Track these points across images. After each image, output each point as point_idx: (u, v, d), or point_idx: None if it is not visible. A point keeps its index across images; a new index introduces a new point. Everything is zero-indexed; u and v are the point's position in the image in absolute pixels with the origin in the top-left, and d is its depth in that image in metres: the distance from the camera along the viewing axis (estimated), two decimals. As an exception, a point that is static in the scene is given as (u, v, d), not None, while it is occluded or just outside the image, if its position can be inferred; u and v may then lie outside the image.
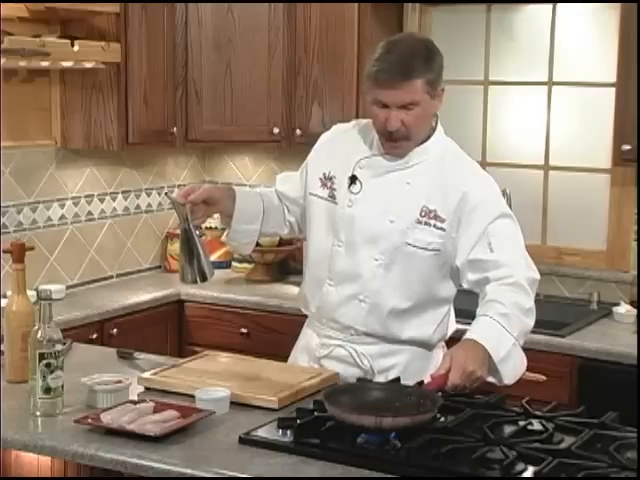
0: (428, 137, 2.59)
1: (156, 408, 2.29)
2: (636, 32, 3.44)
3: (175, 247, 4.44)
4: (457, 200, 2.50)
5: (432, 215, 2.51)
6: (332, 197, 2.62)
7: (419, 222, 2.52)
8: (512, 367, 2.38)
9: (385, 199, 2.55)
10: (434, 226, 2.51)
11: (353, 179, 2.58)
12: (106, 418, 2.23)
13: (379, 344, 2.62)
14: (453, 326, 2.73)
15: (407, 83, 2.44)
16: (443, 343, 2.71)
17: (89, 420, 2.23)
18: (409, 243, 2.52)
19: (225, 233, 2.79)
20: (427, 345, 2.65)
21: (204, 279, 2.54)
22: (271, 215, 2.75)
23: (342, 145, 2.67)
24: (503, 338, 2.36)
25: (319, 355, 2.68)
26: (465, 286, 2.56)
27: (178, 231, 4.44)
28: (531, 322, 2.45)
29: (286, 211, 2.78)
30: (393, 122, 2.46)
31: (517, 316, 2.39)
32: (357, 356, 2.63)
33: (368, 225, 2.55)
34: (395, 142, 2.52)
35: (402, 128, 2.48)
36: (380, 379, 2.56)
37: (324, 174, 2.65)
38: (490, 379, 2.38)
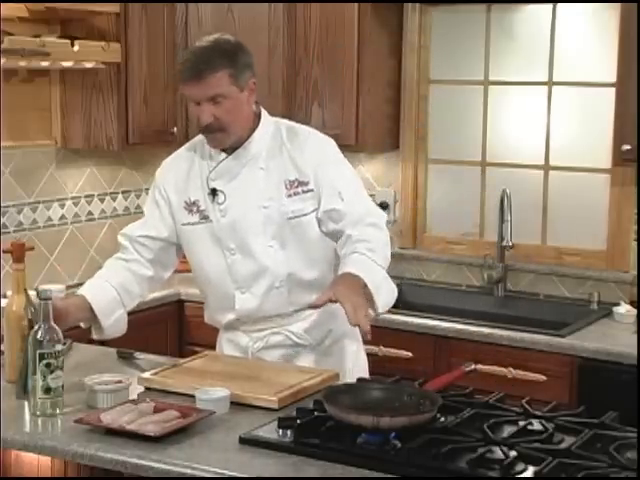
0: (255, 127, 2.69)
1: (156, 408, 2.29)
2: (636, 32, 3.44)
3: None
4: (307, 162, 2.66)
5: (296, 184, 2.66)
6: (205, 218, 2.71)
7: (289, 195, 2.66)
8: (385, 296, 2.53)
9: (250, 193, 2.66)
10: (302, 192, 2.66)
11: (214, 192, 2.69)
12: (106, 418, 2.23)
13: (310, 316, 2.73)
14: None
15: (207, 77, 2.55)
16: None
17: (89, 420, 2.23)
18: (290, 217, 2.66)
19: (95, 333, 2.73)
20: None
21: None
22: (130, 288, 2.76)
23: (185, 170, 2.76)
24: (375, 270, 2.52)
25: (254, 350, 2.76)
26: (325, 232, 2.69)
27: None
28: (389, 253, 2.63)
29: (143, 268, 2.78)
30: (204, 116, 2.59)
31: (382, 250, 2.59)
32: (293, 335, 2.73)
33: (249, 222, 2.66)
34: (212, 134, 2.63)
35: (214, 121, 2.59)
36: (320, 349, 2.73)
37: (186, 202, 2.73)
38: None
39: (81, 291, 2.71)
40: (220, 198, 2.68)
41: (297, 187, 2.66)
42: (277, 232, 2.67)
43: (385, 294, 2.54)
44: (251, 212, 2.66)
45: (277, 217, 2.66)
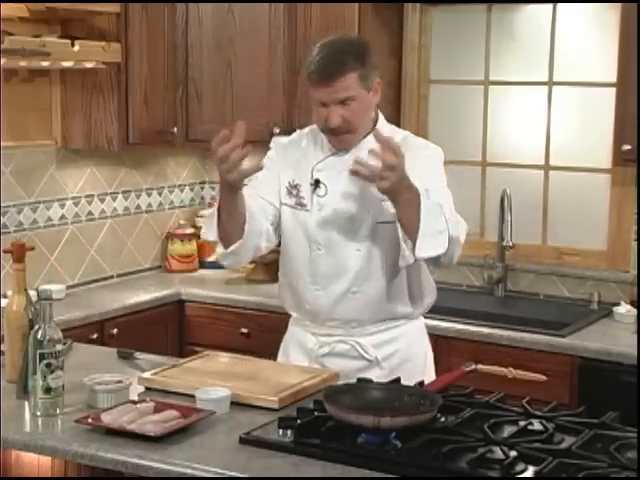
0: (373, 127, 2.65)
1: (156, 408, 2.29)
2: (636, 32, 3.44)
3: (176, 247, 4.44)
4: (413, 170, 2.51)
5: None
6: (301, 205, 2.68)
7: (384, 200, 2.57)
8: (431, 243, 2.42)
9: (351, 192, 2.62)
10: None
11: (317, 183, 2.66)
12: (106, 418, 2.23)
13: (380, 333, 2.68)
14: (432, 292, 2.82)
15: (339, 79, 2.52)
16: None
17: (89, 420, 2.24)
18: (380, 221, 2.61)
19: (234, 246, 2.58)
20: (414, 316, 2.75)
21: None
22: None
23: (295, 154, 2.73)
24: (440, 222, 2.43)
25: (319, 355, 2.70)
26: None
27: (178, 231, 4.48)
28: (451, 250, 2.48)
29: (264, 221, 2.68)
30: (333, 119, 2.55)
31: (457, 231, 2.49)
32: (360, 348, 2.67)
33: (344, 222, 2.63)
34: (339, 136, 2.61)
35: (343, 123, 2.56)
36: (385, 366, 2.64)
37: (289, 183, 2.71)
38: (403, 245, 2.45)
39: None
40: (321, 191, 2.65)
41: None
42: (367, 236, 2.62)
43: (431, 242, 2.42)
44: (348, 212, 2.62)
45: (370, 221, 2.61)
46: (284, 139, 2.82)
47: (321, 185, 2.65)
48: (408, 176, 2.39)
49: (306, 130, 2.78)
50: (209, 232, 2.60)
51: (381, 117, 2.72)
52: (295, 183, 2.69)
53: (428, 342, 2.88)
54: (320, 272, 2.66)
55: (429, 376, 2.75)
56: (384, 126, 2.67)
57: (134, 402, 2.35)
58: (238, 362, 2.72)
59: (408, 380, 2.50)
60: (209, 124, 4.17)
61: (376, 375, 2.61)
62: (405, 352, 2.71)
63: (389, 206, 2.54)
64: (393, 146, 2.34)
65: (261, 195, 2.69)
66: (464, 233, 2.58)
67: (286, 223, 2.71)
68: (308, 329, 2.75)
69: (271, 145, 2.81)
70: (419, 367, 2.75)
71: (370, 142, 2.57)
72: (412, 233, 2.42)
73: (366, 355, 2.69)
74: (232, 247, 2.57)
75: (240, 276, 4.32)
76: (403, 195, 2.40)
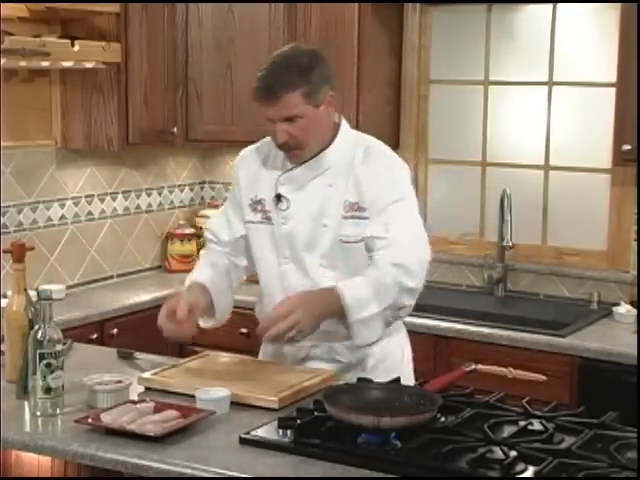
0: (333, 138, 2.63)
1: (156, 408, 2.29)
2: (636, 32, 3.44)
3: (176, 247, 4.44)
4: (370, 189, 2.56)
5: (355, 208, 2.58)
6: (267, 219, 2.68)
7: (346, 217, 2.58)
8: (366, 333, 2.47)
9: (313, 207, 2.61)
10: (359, 217, 2.58)
11: (278, 197, 2.65)
12: (106, 418, 2.23)
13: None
14: None
15: (281, 99, 2.49)
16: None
17: (89, 420, 2.23)
18: (342, 240, 2.59)
19: (206, 322, 2.75)
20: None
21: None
22: (231, 274, 2.78)
23: (257, 167, 2.72)
24: (371, 304, 2.44)
25: (296, 359, 2.71)
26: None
27: (178, 231, 4.47)
28: (408, 302, 2.53)
29: (234, 260, 2.78)
30: (279, 136, 2.54)
31: (394, 291, 2.47)
32: (334, 352, 2.67)
33: (305, 235, 2.62)
34: (289, 152, 2.58)
35: (290, 140, 2.54)
36: (360, 368, 2.63)
37: (251, 199, 2.70)
38: (343, 330, 2.48)
39: (195, 277, 2.69)
40: (283, 205, 2.64)
41: (355, 211, 2.57)
42: (329, 252, 2.60)
43: (366, 331, 2.46)
44: (310, 227, 2.61)
45: (332, 237, 2.59)
46: (249, 150, 2.79)
47: (283, 199, 2.64)
48: (318, 310, 2.39)
49: (269, 139, 2.73)
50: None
51: (344, 125, 2.66)
52: (258, 198, 2.68)
53: (406, 339, 2.85)
54: (290, 284, 2.65)
55: (407, 373, 2.76)
56: (346, 135, 2.64)
57: (134, 402, 2.35)
58: (238, 362, 2.72)
59: (385, 379, 2.51)
60: (209, 124, 4.17)
61: (354, 376, 2.60)
62: (380, 353, 2.67)
63: (350, 224, 2.57)
64: (275, 321, 2.35)
65: (234, 220, 2.75)
66: (422, 264, 2.54)
67: (254, 238, 2.72)
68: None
69: (236, 161, 2.80)
70: (396, 365, 2.73)
71: (331, 154, 2.59)
72: (345, 324, 2.46)
73: (341, 358, 2.67)
74: (209, 325, 2.75)
75: (240, 276, 4.32)
76: (328, 319, 2.43)
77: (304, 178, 2.62)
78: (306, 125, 2.53)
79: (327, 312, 2.44)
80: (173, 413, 2.26)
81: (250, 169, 2.72)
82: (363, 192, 2.57)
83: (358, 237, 2.57)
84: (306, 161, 2.61)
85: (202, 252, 2.86)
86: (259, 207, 2.68)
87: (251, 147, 2.78)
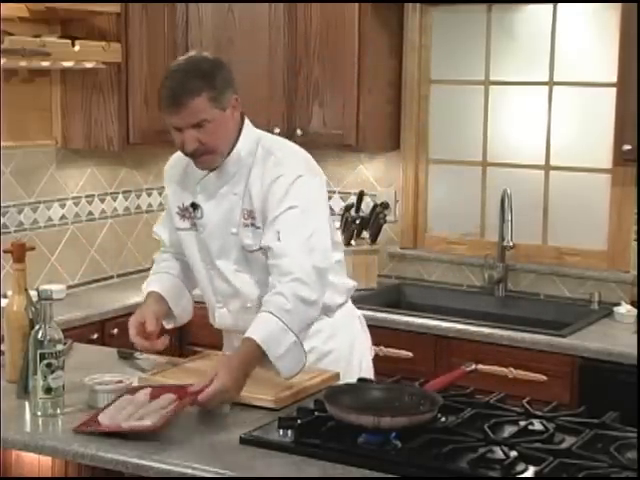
0: (237, 137, 2.61)
1: (152, 395, 2.29)
2: (636, 32, 3.43)
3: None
4: (261, 196, 2.55)
5: (250, 215, 2.58)
6: (194, 225, 2.69)
7: (245, 225, 2.59)
8: (291, 363, 2.41)
9: (222, 216, 2.62)
10: (252, 225, 2.58)
11: (194, 206, 2.66)
12: (104, 420, 2.22)
13: None
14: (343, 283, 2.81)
15: (188, 105, 2.47)
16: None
17: (88, 428, 2.22)
18: (244, 248, 2.61)
19: (168, 323, 2.82)
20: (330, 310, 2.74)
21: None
22: (188, 274, 2.82)
23: (180, 174, 2.74)
24: (284, 336, 2.39)
25: None
26: None
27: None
28: (315, 313, 2.49)
29: (184, 258, 2.81)
30: (188, 144, 2.51)
31: (299, 310, 2.42)
32: None
33: (217, 244, 2.64)
34: (199, 158, 2.56)
35: (200, 146, 2.52)
36: (311, 359, 2.61)
37: (179, 207, 2.71)
38: (271, 369, 2.42)
39: (149, 288, 2.76)
40: (199, 213, 2.66)
41: (250, 219, 2.58)
42: (241, 258, 2.63)
43: (290, 362, 2.41)
44: (220, 235, 2.63)
45: (239, 244, 2.62)
46: (175, 157, 2.79)
47: (198, 208, 2.65)
48: (238, 372, 2.33)
49: None
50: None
51: (247, 125, 2.63)
52: (185, 206, 2.70)
53: (359, 331, 2.86)
54: (218, 290, 2.70)
55: (360, 364, 2.78)
56: (248, 138, 2.61)
57: (131, 392, 2.34)
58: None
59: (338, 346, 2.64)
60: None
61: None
62: (321, 348, 2.70)
63: (250, 235, 2.57)
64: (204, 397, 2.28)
65: (170, 226, 2.78)
66: (315, 280, 2.46)
67: (185, 245, 2.74)
68: (231, 335, 2.78)
69: (165, 168, 2.82)
70: (343, 358, 2.75)
71: (233, 160, 2.58)
72: (271, 367, 2.41)
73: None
74: (171, 326, 2.83)
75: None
76: (251, 371, 2.38)
77: (215, 186, 2.63)
78: (214, 129, 2.51)
79: (251, 368, 2.37)
80: (170, 396, 2.26)
81: (176, 177, 2.74)
82: (254, 201, 2.57)
83: (256, 246, 2.57)
84: (216, 168, 2.60)
85: (155, 256, 2.90)
86: (187, 214, 2.70)
87: (177, 154, 2.77)
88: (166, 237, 2.83)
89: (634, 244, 3.83)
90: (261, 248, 2.56)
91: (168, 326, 2.81)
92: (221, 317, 2.75)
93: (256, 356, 2.37)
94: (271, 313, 2.41)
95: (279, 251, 2.48)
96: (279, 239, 2.49)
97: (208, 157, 2.56)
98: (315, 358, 2.68)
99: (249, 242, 2.59)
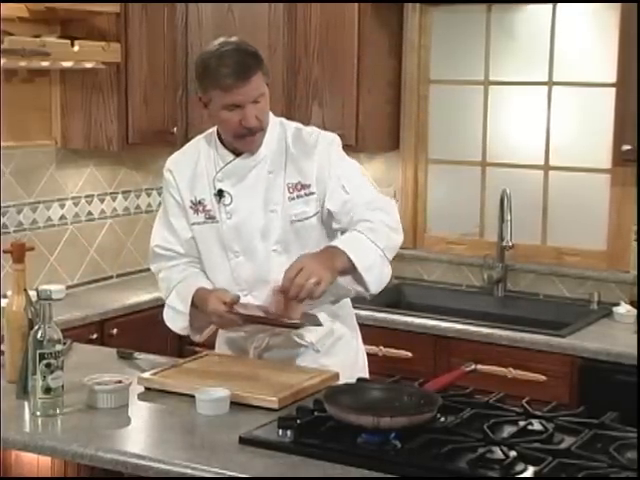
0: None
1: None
2: (636, 32, 3.43)
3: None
4: (312, 164, 2.63)
5: (299, 187, 2.64)
6: (211, 218, 2.68)
7: (291, 199, 2.63)
8: (377, 276, 2.53)
9: (257, 196, 2.64)
10: (305, 194, 2.64)
11: (220, 193, 2.66)
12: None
13: None
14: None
15: (251, 80, 2.53)
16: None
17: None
18: (293, 220, 2.63)
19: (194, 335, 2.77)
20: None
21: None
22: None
23: (191, 169, 2.72)
24: (369, 249, 2.51)
25: (254, 351, 2.73)
26: (336, 228, 2.67)
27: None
28: (399, 239, 2.62)
29: (198, 266, 2.78)
30: (251, 119, 2.55)
31: (385, 232, 2.56)
32: (295, 336, 2.69)
33: (255, 225, 2.64)
34: (254, 136, 2.60)
35: (258, 122, 2.58)
36: (319, 347, 2.68)
37: (192, 201, 2.70)
38: (357, 288, 2.55)
39: (195, 285, 2.67)
40: (226, 200, 2.66)
41: (300, 190, 2.63)
42: (281, 236, 2.63)
43: (378, 273, 2.53)
44: (257, 215, 2.64)
45: (281, 221, 2.63)
46: (176, 156, 2.80)
47: (225, 194, 2.65)
48: (328, 262, 2.42)
49: (198, 138, 2.77)
50: (177, 322, 2.73)
51: (269, 113, 2.69)
52: (198, 199, 2.69)
53: (354, 322, 2.88)
54: (243, 278, 2.68)
55: (360, 353, 2.84)
56: (273, 123, 2.68)
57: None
58: (238, 362, 2.71)
59: (342, 358, 2.67)
60: (209, 124, 4.16)
61: (313, 359, 2.69)
62: (337, 331, 2.74)
63: (298, 203, 2.62)
64: (286, 285, 2.37)
65: (181, 230, 2.73)
66: (393, 210, 2.64)
67: (200, 239, 2.72)
68: (239, 329, 2.72)
69: (165, 170, 2.79)
70: (351, 345, 2.81)
71: (264, 144, 2.63)
72: (356, 277, 2.51)
73: (301, 342, 2.70)
74: (205, 336, 2.77)
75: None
76: (338, 267, 2.45)
77: (242, 170, 2.64)
78: (265, 105, 2.60)
79: (337, 264, 2.46)
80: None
81: (184, 172, 2.73)
82: (304, 170, 2.63)
83: (309, 213, 2.63)
84: (240, 154, 2.64)
85: (161, 275, 2.78)
86: (200, 208, 2.69)
87: (179, 152, 2.81)
88: (177, 245, 2.75)
89: (634, 244, 3.83)
90: (313, 215, 2.62)
91: (195, 338, 2.77)
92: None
93: (343, 261, 2.45)
94: (356, 230, 2.53)
95: (351, 199, 2.59)
96: (347, 192, 2.60)
97: (259, 135, 2.61)
98: (330, 343, 2.71)
99: (299, 211, 2.62)
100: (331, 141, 2.70)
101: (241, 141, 2.62)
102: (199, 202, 2.70)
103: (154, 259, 2.80)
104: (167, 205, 2.77)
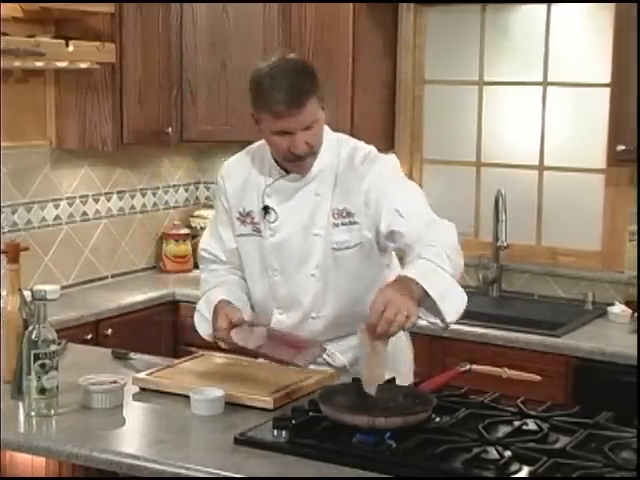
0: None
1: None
2: (635, 32, 3.44)
3: (171, 248, 4.44)
4: (360, 191, 2.51)
5: (344, 214, 2.53)
6: (257, 230, 2.62)
7: (335, 225, 2.54)
8: (453, 304, 2.32)
9: (302, 217, 2.56)
10: (349, 223, 2.53)
11: (266, 209, 2.59)
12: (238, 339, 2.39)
13: (347, 339, 2.63)
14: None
15: (306, 106, 2.41)
16: None
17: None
18: (334, 248, 2.55)
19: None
20: None
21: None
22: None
23: (243, 179, 2.65)
24: (440, 276, 2.31)
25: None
26: (395, 248, 2.58)
27: (173, 231, 4.47)
28: (461, 261, 2.44)
29: (239, 273, 2.73)
30: (300, 146, 2.45)
31: (450, 256, 2.36)
32: (327, 356, 2.63)
33: (296, 246, 2.57)
34: (303, 161, 2.51)
35: (308, 149, 2.47)
36: (352, 371, 2.57)
37: (240, 212, 2.65)
38: (432, 320, 2.33)
39: (217, 297, 2.58)
40: (272, 217, 2.58)
41: (345, 217, 2.53)
42: (321, 261, 2.56)
43: (453, 300, 2.31)
44: (300, 237, 2.56)
45: (323, 245, 2.55)
46: (231, 163, 2.73)
47: (270, 211, 2.58)
48: (409, 293, 2.22)
49: (255, 147, 2.68)
50: (202, 327, 2.67)
51: (325, 128, 2.58)
52: (247, 211, 2.63)
53: (408, 341, 2.79)
54: (279, 297, 2.63)
55: (404, 376, 2.68)
56: (328, 140, 2.57)
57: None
58: (233, 363, 2.71)
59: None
60: (204, 124, 4.17)
61: (345, 380, 2.56)
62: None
63: (341, 231, 2.53)
64: (378, 317, 2.17)
65: (227, 240, 2.69)
66: (453, 232, 2.46)
67: (243, 251, 2.67)
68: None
69: (219, 176, 2.73)
70: (394, 367, 2.62)
71: (315, 164, 2.52)
72: (430, 307, 2.30)
73: (333, 362, 2.64)
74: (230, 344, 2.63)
75: (235, 276, 4.32)
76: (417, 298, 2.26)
77: (291, 189, 2.57)
78: (318, 130, 2.48)
79: (415, 295, 2.24)
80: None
81: (236, 181, 2.67)
82: (351, 197, 2.52)
83: (350, 243, 2.54)
84: (307, 172, 2.56)
85: (203, 276, 2.77)
86: (248, 219, 2.63)
87: (235, 157, 2.73)
88: (220, 252, 2.72)
89: (629, 244, 3.83)
90: (355, 245, 2.52)
91: (221, 345, 2.65)
92: (279, 323, 2.64)
93: (418, 292, 2.23)
94: (423, 258, 2.32)
95: (407, 224, 2.44)
96: (402, 216, 2.45)
97: (309, 159, 2.51)
98: None
99: (343, 239, 2.53)
100: (385, 164, 2.56)
101: (290, 164, 2.53)
102: (247, 214, 2.63)
103: (200, 260, 2.79)
104: (217, 211, 2.74)
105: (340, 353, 2.65)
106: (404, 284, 2.25)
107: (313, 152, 2.50)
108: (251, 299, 2.71)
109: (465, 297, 2.37)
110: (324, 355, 2.62)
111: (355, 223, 2.53)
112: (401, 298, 2.18)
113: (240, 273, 2.72)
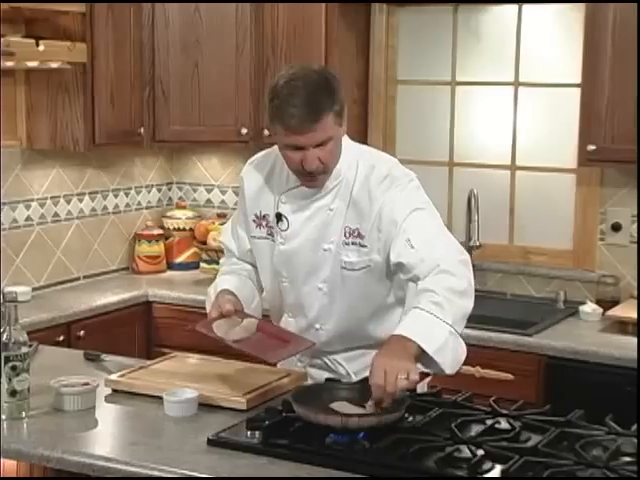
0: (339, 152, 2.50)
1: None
2: (602, 33, 3.46)
3: (143, 248, 4.42)
4: (372, 214, 2.46)
5: (356, 234, 2.48)
6: (270, 235, 2.60)
7: (346, 243, 2.49)
8: (450, 356, 2.26)
9: (314, 230, 2.52)
10: (359, 244, 2.48)
11: (279, 217, 2.55)
12: (218, 332, 2.41)
13: (352, 350, 2.62)
14: None
15: (320, 123, 2.34)
16: None
17: (203, 329, 2.45)
18: (343, 267, 2.51)
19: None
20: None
21: None
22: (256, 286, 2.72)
23: (262, 181, 2.61)
24: (437, 328, 2.25)
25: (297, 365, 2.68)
26: (404, 279, 2.50)
27: (146, 232, 4.46)
28: (469, 304, 2.36)
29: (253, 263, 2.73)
30: (312, 163, 2.38)
31: (451, 301, 2.29)
32: (331, 363, 2.64)
33: (305, 258, 2.54)
34: (314, 177, 2.45)
35: (320, 165, 2.40)
36: (356, 380, 2.54)
37: (256, 215, 2.62)
38: (428, 371, 2.29)
39: (221, 286, 2.58)
40: (284, 224, 2.54)
41: (356, 237, 2.47)
42: (329, 277, 2.52)
43: (451, 352, 2.25)
44: (310, 250, 2.52)
45: (333, 262, 2.50)
46: (255, 161, 2.66)
47: (283, 219, 2.53)
48: (404, 354, 2.19)
49: (276, 151, 2.56)
50: None
51: (345, 138, 2.51)
52: (263, 214, 2.60)
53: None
54: (288, 302, 2.62)
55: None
56: (350, 149, 2.51)
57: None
58: (206, 363, 2.71)
59: None
60: (176, 125, 4.15)
61: None
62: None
63: (350, 250, 2.49)
64: (379, 388, 2.15)
65: (242, 240, 2.68)
66: (461, 271, 2.37)
67: (257, 253, 2.65)
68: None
69: (241, 174, 2.69)
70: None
71: (332, 178, 2.47)
72: (431, 361, 2.26)
73: (337, 369, 2.63)
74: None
75: (208, 277, 4.30)
76: (412, 355, 2.22)
77: (306, 199, 2.51)
78: (333, 147, 2.41)
79: (410, 352, 2.21)
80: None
81: (255, 183, 2.62)
82: (364, 217, 2.46)
83: (355, 266, 2.49)
84: (320, 187, 2.49)
85: (222, 260, 2.80)
86: (263, 222, 2.60)
87: (257, 157, 2.67)
88: (235, 248, 2.71)
89: (599, 244, 3.87)
90: (363, 267, 2.48)
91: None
92: (288, 324, 2.63)
93: (413, 350, 2.19)
94: (419, 308, 2.27)
95: (416, 257, 2.36)
96: (412, 247, 2.38)
97: (323, 176, 2.45)
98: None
99: (352, 260, 2.49)
100: (403, 187, 2.46)
101: (302, 178, 2.47)
102: (263, 217, 2.60)
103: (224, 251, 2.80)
104: (239, 208, 2.71)
105: (345, 361, 2.62)
106: (398, 344, 2.22)
107: (324, 171, 2.43)
108: (266, 297, 2.71)
109: (464, 346, 2.32)
110: (328, 363, 2.62)
111: (364, 246, 2.47)
112: (397, 363, 2.15)
113: (254, 263, 2.71)
